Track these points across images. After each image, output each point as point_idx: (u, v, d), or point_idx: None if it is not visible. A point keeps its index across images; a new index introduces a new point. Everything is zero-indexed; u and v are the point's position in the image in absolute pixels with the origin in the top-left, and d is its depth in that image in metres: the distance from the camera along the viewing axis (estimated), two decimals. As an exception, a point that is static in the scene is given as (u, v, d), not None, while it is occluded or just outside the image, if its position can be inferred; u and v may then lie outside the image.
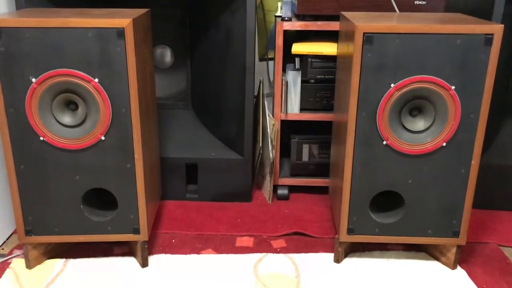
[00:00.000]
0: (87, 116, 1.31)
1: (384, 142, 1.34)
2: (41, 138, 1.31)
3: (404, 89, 1.29)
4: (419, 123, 1.34)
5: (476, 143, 1.33)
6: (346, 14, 1.48)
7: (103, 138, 1.32)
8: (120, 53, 1.25)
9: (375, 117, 1.32)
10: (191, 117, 2.07)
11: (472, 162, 1.35)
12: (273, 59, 2.19)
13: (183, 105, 2.10)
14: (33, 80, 1.26)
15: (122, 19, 1.23)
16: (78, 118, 1.31)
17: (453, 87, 1.28)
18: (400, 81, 1.28)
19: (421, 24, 1.25)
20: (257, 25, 2.17)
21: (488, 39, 1.24)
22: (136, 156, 1.35)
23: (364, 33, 1.25)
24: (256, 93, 2.01)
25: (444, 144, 1.33)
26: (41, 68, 1.25)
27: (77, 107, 1.31)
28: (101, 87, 1.28)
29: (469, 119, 1.31)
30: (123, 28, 1.23)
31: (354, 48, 1.27)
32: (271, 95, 2.22)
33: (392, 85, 1.29)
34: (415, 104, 1.32)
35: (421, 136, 1.34)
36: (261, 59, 2.27)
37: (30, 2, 1.56)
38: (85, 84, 1.27)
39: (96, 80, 1.27)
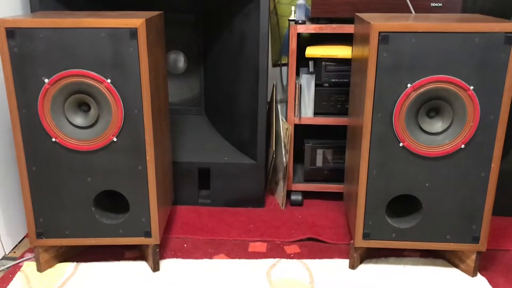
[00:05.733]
0: (99, 117, 1.30)
1: (401, 144, 1.31)
2: (53, 139, 1.30)
3: (421, 90, 1.26)
4: (437, 125, 1.30)
5: (496, 145, 1.29)
6: (361, 15, 1.46)
7: (115, 139, 1.31)
8: (133, 53, 1.25)
9: (391, 118, 1.29)
10: (204, 122, 2.06)
11: (492, 165, 1.31)
12: (286, 64, 2.18)
13: (196, 111, 2.09)
14: (46, 80, 1.25)
15: (135, 19, 1.23)
16: (90, 119, 1.30)
17: (471, 87, 1.25)
18: (417, 81, 1.25)
19: (438, 23, 1.22)
20: (271, 31, 2.15)
21: (508, 38, 1.21)
22: (148, 157, 1.33)
23: (379, 32, 1.23)
24: (269, 98, 2.00)
25: (463, 146, 1.29)
26: (54, 69, 1.25)
27: (89, 108, 1.30)
28: (114, 87, 1.27)
29: (488, 120, 1.27)
30: (136, 28, 1.23)
31: (370, 48, 1.24)
32: (285, 100, 2.20)
33: (409, 85, 1.26)
34: (432, 105, 1.29)
35: (439, 138, 1.31)
36: (274, 65, 2.25)
37: (45, 5, 1.57)
38: (97, 85, 1.26)
39: (109, 80, 1.26)
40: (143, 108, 1.29)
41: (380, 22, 1.24)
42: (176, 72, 2.05)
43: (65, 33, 1.22)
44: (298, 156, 1.89)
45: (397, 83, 1.26)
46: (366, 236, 1.41)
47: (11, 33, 1.22)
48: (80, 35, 1.23)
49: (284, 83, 2.27)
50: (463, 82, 1.24)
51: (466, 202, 1.35)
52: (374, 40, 1.23)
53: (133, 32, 1.23)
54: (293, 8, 1.78)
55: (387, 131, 1.30)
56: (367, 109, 1.29)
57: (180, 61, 2.05)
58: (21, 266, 1.47)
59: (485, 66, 1.23)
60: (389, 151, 1.32)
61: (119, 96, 1.27)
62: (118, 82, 1.27)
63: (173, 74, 2.04)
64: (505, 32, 1.21)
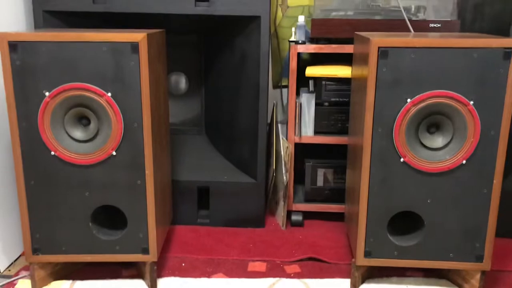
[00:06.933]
0: (98, 131, 1.30)
1: (402, 160, 1.30)
2: (52, 153, 1.30)
3: (421, 104, 1.26)
4: (437, 140, 1.30)
5: (498, 161, 1.28)
6: (361, 33, 1.47)
7: (114, 153, 1.30)
8: (134, 67, 1.26)
9: (391, 133, 1.29)
10: (205, 143, 2.06)
11: (494, 181, 1.30)
12: (286, 86, 2.19)
13: (197, 131, 2.09)
14: (47, 93, 1.26)
15: (136, 34, 1.24)
16: (90, 132, 1.30)
17: (471, 102, 1.25)
18: (417, 96, 1.25)
19: (437, 38, 1.24)
20: (271, 53, 2.18)
21: (506, 53, 1.22)
22: (147, 172, 1.32)
23: (379, 48, 1.24)
24: (269, 117, 2.00)
25: (464, 161, 1.28)
26: (55, 82, 1.26)
27: (89, 122, 1.30)
28: (114, 101, 1.27)
29: (489, 135, 1.27)
30: (138, 42, 1.24)
31: (369, 63, 1.25)
32: (285, 122, 2.20)
33: (409, 100, 1.26)
34: (432, 120, 1.28)
35: (440, 153, 1.30)
36: (275, 87, 2.27)
37: (48, 23, 1.59)
38: (97, 98, 1.27)
39: (109, 94, 1.27)
40: (143, 122, 1.29)
41: (379, 38, 1.26)
42: (178, 93, 2.06)
43: (66, 47, 1.24)
44: (299, 176, 1.87)
45: (397, 98, 1.26)
46: (367, 255, 1.38)
47: (13, 46, 1.23)
48: (82, 49, 1.24)
49: (285, 104, 2.28)
50: (463, 97, 1.25)
51: (469, 219, 1.33)
52: (373, 55, 1.24)
53: (134, 46, 1.24)
54: (293, 29, 1.81)
55: (388, 147, 1.30)
56: (367, 124, 1.29)
57: (181, 82, 2.06)
58: (15, 284, 1.44)
59: (484, 81, 1.24)
60: (390, 167, 1.31)
61: (119, 109, 1.27)
62: (118, 96, 1.27)
63: (174, 95, 2.04)
64: (504, 48, 1.21)
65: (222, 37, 1.87)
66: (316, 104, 1.77)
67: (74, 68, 1.25)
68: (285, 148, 1.79)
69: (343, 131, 1.78)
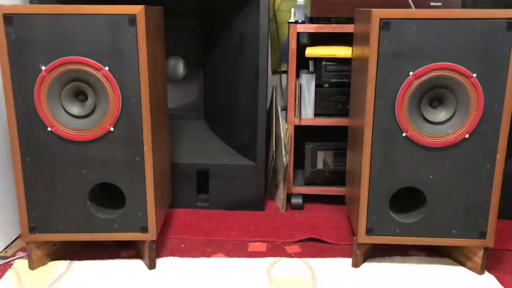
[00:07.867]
0: (96, 106, 1.28)
1: (404, 134, 1.28)
2: (49, 129, 1.27)
3: (424, 77, 1.24)
4: (440, 114, 1.28)
5: (501, 135, 1.27)
6: (362, 9, 1.46)
7: (112, 129, 1.28)
8: (131, 40, 1.23)
9: (393, 107, 1.27)
10: (203, 127, 2.04)
11: (498, 156, 1.28)
12: (286, 72, 2.17)
13: (195, 116, 2.07)
14: (43, 68, 1.24)
15: (134, 6, 1.22)
16: (87, 108, 1.28)
17: (474, 75, 1.23)
18: (419, 69, 1.24)
19: (439, 10, 1.22)
20: (270, 38, 2.16)
21: (510, 24, 1.20)
22: (145, 148, 1.30)
23: (380, 19, 1.22)
24: (268, 100, 1.98)
25: (467, 135, 1.27)
26: (51, 56, 1.23)
27: (86, 98, 1.28)
28: (111, 75, 1.25)
29: (493, 109, 1.25)
30: (135, 14, 1.22)
31: (371, 35, 1.23)
32: (284, 107, 2.18)
33: (411, 73, 1.24)
34: (435, 94, 1.27)
35: (442, 127, 1.28)
36: (274, 72, 2.25)
37: (44, 1, 1.57)
38: (95, 72, 1.24)
39: (106, 68, 1.24)
40: (141, 97, 1.27)
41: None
42: (176, 78, 2.04)
43: (63, 20, 1.21)
44: (299, 160, 1.85)
45: (399, 71, 1.25)
46: (369, 232, 1.37)
47: (8, 19, 1.21)
48: (79, 22, 1.22)
49: (284, 89, 2.26)
50: (466, 70, 1.23)
51: (472, 195, 1.31)
52: (375, 26, 1.22)
53: (132, 19, 1.22)
54: (292, 10, 1.79)
55: (390, 121, 1.28)
56: (369, 98, 1.27)
57: (179, 67, 2.04)
58: (12, 264, 1.42)
59: (488, 53, 1.22)
60: (392, 142, 1.30)
61: (116, 84, 1.25)
62: (116, 70, 1.25)
63: (172, 80, 2.02)
64: (507, 19, 1.20)
65: (220, 19, 1.85)
66: (316, 86, 1.75)
67: (70, 41, 1.23)
68: (285, 130, 1.77)
69: (344, 113, 1.76)
